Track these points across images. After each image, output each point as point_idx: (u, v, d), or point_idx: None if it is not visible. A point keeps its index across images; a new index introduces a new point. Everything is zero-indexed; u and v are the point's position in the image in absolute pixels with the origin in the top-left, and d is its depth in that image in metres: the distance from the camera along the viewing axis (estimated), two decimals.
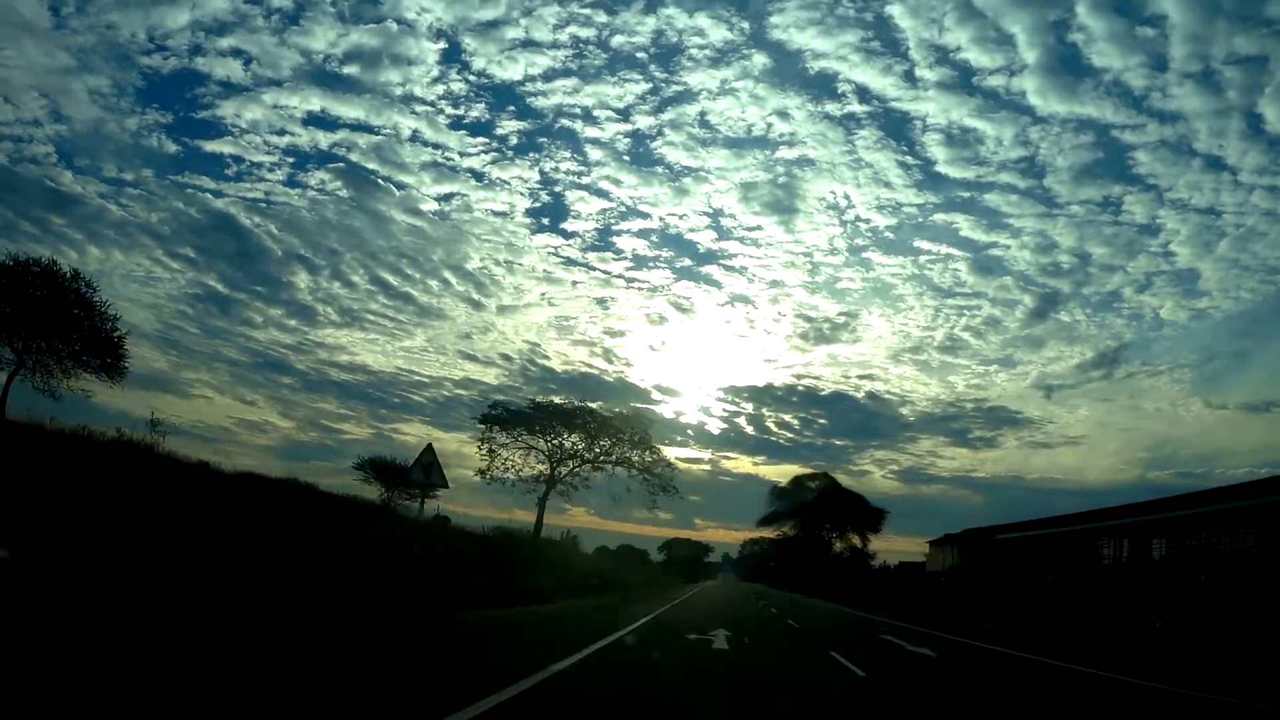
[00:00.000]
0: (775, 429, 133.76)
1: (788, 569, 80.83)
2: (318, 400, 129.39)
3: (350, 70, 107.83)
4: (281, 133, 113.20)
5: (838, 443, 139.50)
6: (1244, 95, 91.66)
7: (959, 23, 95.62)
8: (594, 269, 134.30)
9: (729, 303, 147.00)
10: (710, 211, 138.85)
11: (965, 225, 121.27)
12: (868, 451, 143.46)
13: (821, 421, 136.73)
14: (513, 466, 39.52)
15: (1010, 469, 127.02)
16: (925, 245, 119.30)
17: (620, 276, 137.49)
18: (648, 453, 41.26)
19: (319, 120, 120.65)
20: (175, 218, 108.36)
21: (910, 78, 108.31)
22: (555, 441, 40.48)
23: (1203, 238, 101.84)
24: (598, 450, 41.07)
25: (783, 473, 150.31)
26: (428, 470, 15.68)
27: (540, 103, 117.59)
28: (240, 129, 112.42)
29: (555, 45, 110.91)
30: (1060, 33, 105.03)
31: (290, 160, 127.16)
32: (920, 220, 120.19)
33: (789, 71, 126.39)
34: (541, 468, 40.29)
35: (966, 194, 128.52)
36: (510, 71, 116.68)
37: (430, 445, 15.97)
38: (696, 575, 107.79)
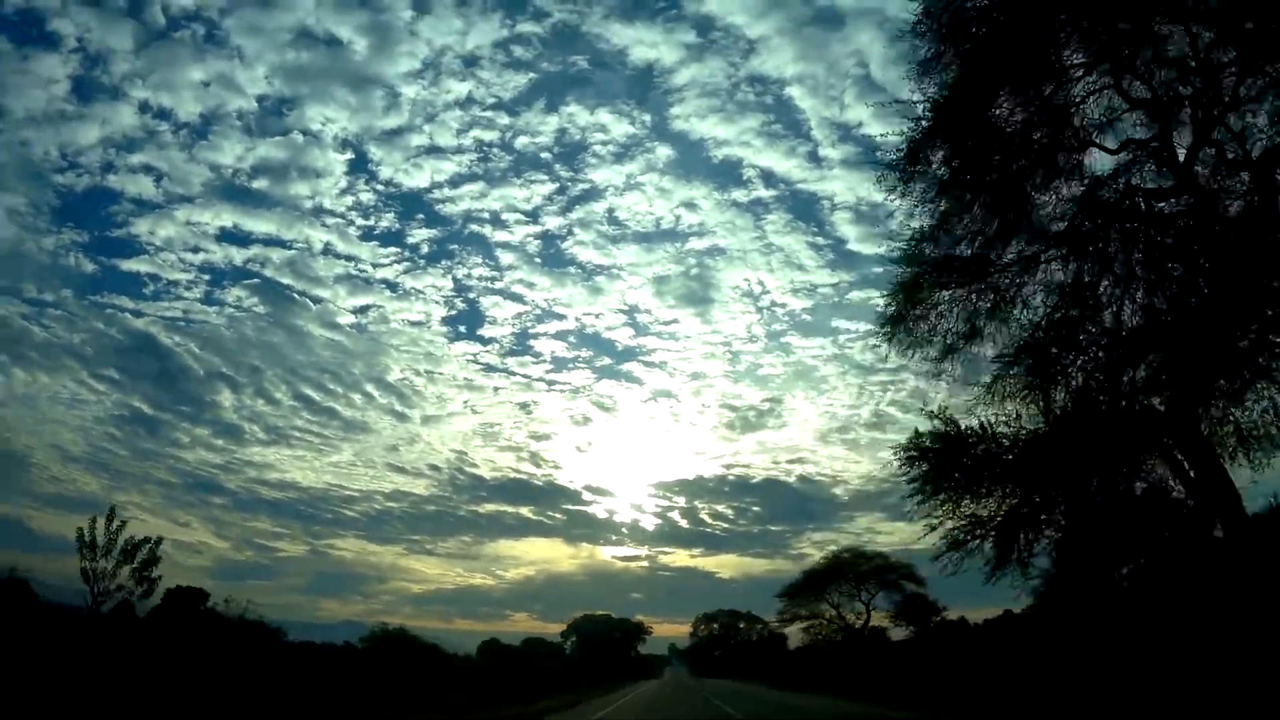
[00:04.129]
0: (710, 520, 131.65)
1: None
2: (250, 519, 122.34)
3: (260, 184, 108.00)
4: (196, 249, 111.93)
5: (774, 528, 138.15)
6: None
7: (858, 98, 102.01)
8: (514, 374, 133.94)
9: (652, 398, 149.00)
10: (626, 308, 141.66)
11: (882, 301, 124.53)
12: (805, 535, 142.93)
13: (756, 509, 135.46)
14: None
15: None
16: (843, 324, 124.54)
17: (541, 380, 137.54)
18: None
19: (232, 236, 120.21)
20: (97, 338, 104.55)
21: (815, 158, 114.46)
22: None
23: None
24: None
25: (721, 563, 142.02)
26: None
27: (449, 209, 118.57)
28: (155, 246, 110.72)
29: (459, 150, 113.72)
30: None
31: (206, 277, 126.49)
32: (836, 300, 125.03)
33: (693, 161, 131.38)
34: None
35: (880, 269, 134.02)
36: (417, 179, 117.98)
37: None
38: (617, 675, 65.74)
